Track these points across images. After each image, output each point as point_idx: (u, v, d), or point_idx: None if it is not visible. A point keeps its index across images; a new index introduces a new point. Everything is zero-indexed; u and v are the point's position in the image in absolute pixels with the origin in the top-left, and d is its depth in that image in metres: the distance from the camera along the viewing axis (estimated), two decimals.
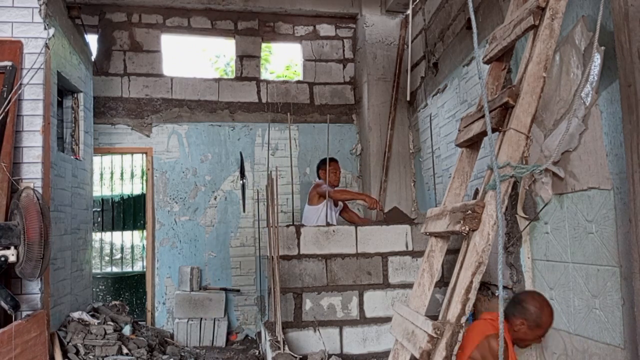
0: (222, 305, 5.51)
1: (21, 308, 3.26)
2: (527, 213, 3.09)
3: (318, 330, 3.95)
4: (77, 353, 3.67)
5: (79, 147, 4.82)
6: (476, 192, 3.65)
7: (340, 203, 4.93)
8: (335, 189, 4.83)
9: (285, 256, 3.97)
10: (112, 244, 6.74)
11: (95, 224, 6.12)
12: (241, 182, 6.07)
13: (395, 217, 5.59)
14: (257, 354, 4.96)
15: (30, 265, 3.07)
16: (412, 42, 5.77)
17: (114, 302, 5.12)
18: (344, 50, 6.55)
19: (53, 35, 3.73)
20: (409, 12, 5.30)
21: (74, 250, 4.47)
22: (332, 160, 4.96)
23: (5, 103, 3.34)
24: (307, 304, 3.98)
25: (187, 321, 5.41)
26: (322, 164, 4.93)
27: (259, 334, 5.21)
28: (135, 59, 6.01)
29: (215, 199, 6.02)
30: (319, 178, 4.94)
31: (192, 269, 5.59)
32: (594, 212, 2.47)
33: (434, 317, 1.84)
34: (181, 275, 5.64)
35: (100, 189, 6.34)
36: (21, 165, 3.52)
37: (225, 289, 5.71)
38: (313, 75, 6.43)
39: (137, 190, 6.44)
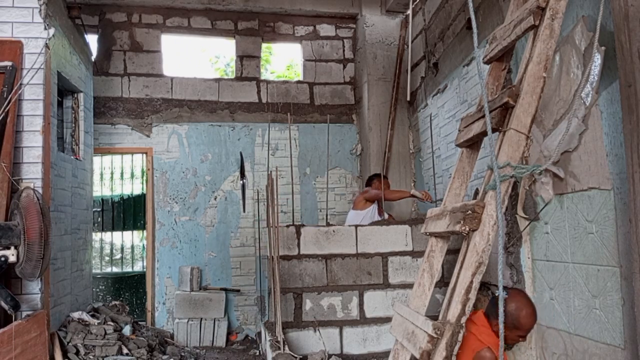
0: (222, 306, 5.51)
1: (21, 308, 3.26)
2: (527, 213, 3.09)
3: (318, 330, 3.94)
4: (77, 353, 3.67)
5: (79, 147, 4.82)
6: (476, 192, 3.65)
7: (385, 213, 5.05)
8: (387, 190, 4.93)
9: (285, 256, 3.97)
10: (112, 244, 6.74)
11: (95, 224, 6.12)
12: (241, 182, 6.07)
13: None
14: (257, 354, 4.96)
15: (30, 265, 3.06)
16: (412, 42, 5.76)
17: (114, 302, 5.12)
18: (344, 50, 6.55)
19: (53, 35, 3.73)
20: (409, 12, 5.29)
21: (74, 250, 4.47)
22: (385, 177, 5.26)
23: (6, 103, 3.34)
24: (307, 304, 3.98)
25: (187, 321, 5.41)
26: (374, 178, 5.13)
27: (259, 334, 5.21)
28: (135, 59, 6.01)
29: (215, 199, 6.02)
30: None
31: (192, 269, 5.59)
32: (594, 212, 2.47)
33: (434, 317, 1.84)
34: (181, 275, 5.64)
35: (100, 189, 6.34)
36: (21, 165, 3.52)
37: (225, 289, 5.71)
38: (313, 75, 6.43)
39: (137, 190, 6.44)
